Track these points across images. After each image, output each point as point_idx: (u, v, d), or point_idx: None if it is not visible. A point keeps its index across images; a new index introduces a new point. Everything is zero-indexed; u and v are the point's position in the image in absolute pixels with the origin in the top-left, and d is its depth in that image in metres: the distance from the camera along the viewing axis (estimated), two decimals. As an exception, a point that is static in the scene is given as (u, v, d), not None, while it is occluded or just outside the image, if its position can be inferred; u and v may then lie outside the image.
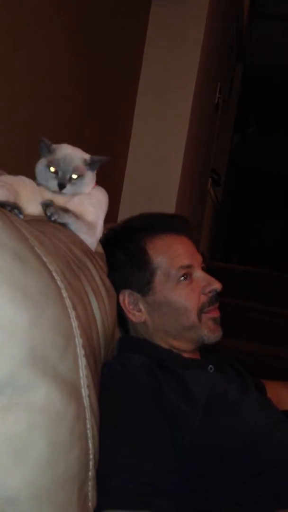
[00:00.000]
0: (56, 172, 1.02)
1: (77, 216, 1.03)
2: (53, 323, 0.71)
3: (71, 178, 1.02)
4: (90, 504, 0.76)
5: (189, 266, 1.12)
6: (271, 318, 3.24)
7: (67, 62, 1.78)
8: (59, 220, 1.00)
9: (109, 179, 2.40)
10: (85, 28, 1.91)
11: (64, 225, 1.00)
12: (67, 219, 1.01)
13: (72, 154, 1.04)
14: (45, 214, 0.98)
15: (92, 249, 1.07)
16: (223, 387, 1.03)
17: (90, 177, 1.06)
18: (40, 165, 1.04)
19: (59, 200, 1.03)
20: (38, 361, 0.67)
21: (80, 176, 1.03)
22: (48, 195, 1.02)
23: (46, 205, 0.99)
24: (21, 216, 0.87)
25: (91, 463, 0.76)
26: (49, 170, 1.02)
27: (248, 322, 3.15)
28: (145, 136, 2.74)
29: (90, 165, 1.05)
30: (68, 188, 1.02)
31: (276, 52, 5.28)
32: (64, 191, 1.02)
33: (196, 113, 2.93)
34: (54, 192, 1.03)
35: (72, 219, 1.01)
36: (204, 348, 1.19)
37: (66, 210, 1.01)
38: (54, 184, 1.01)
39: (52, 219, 0.99)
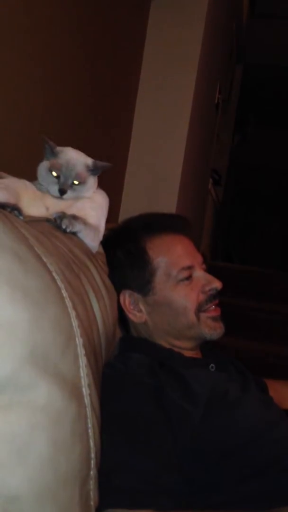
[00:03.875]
0: (58, 177, 1.01)
1: (85, 222, 1.03)
2: (54, 323, 0.72)
3: (72, 184, 1.02)
4: (92, 502, 0.76)
5: (190, 267, 1.12)
6: (272, 317, 3.24)
7: (68, 63, 1.79)
8: (73, 230, 1.00)
9: (110, 179, 2.41)
10: (86, 29, 1.91)
11: (73, 233, 1.01)
12: (77, 228, 1.01)
13: (75, 159, 1.03)
14: (60, 226, 0.98)
15: (93, 252, 1.08)
16: (224, 385, 1.03)
17: (92, 182, 1.06)
18: (42, 168, 1.03)
19: (61, 204, 1.03)
20: (39, 360, 0.67)
21: (81, 182, 1.03)
22: (49, 200, 1.02)
23: (60, 217, 0.99)
24: (21, 217, 0.88)
25: (92, 461, 0.77)
26: (51, 174, 1.01)
27: (250, 321, 3.15)
28: (146, 137, 2.75)
29: (92, 170, 1.05)
30: (69, 194, 1.01)
31: (276, 51, 5.28)
32: (64, 197, 1.01)
33: (196, 113, 2.93)
34: (55, 197, 1.02)
35: (81, 226, 1.02)
36: (205, 346, 1.19)
37: (75, 217, 1.01)
38: (55, 189, 1.01)
39: (68, 230, 0.99)
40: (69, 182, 1.01)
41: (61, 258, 0.87)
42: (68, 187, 1.01)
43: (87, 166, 1.04)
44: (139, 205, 2.52)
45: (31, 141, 1.43)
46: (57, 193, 1.01)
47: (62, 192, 1.01)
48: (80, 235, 1.03)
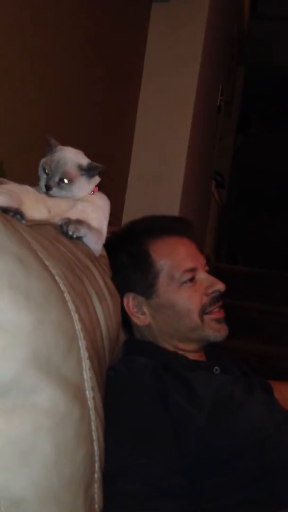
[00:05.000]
0: (47, 174, 1.03)
1: (89, 226, 1.03)
2: (56, 326, 0.72)
3: (60, 181, 1.02)
4: (96, 506, 0.76)
5: (193, 269, 1.12)
6: (277, 319, 3.23)
7: (69, 65, 1.79)
8: (78, 235, 1.01)
9: (113, 182, 2.41)
10: (87, 32, 1.92)
11: (78, 238, 1.01)
12: (83, 232, 1.02)
13: (67, 158, 1.04)
14: (66, 232, 0.99)
15: (96, 255, 1.08)
16: (229, 388, 1.03)
17: (83, 183, 1.05)
18: (40, 164, 1.05)
19: (62, 206, 1.03)
20: (42, 363, 0.67)
21: (70, 181, 1.03)
22: (51, 202, 1.03)
23: (66, 224, 0.99)
24: (23, 221, 0.88)
25: (96, 464, 0.77)
26: (43, 171, 1.03)
27: (254, 323, 3.14)
28: (148, 139, 2.75)
29: (86, 171, 1.05)
30: (55, 191, 1.02)
31: (277, 52, 5.28)
32: (50, 193, 1.02)
33: (198, 116, 2.93)
34: (49, 195, 1.02)
35: (86, 230, 1.02)
36: (209, 348, 1.19)
37: (80, 222, 1.02)
38: (42, 184, 1.02)
39: (74, 236, 1.00)
40: (56, 179, 1.02)
41: (63, 262, 0.87)
42: (54, 184, 1.02)
43: (80, 166, 1.04)
44: (142, 207, 2.52)
45: (33, 144, 1.43)
46: (43, 189, 1.02)
47: (47, 188, 1.02)
48: (85, 239, 1.03)
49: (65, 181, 1.02)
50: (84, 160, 1.06)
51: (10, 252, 0.69)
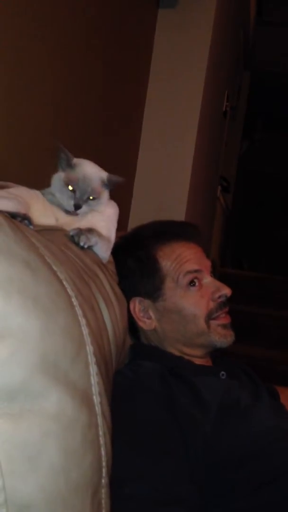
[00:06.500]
0: (73, 191, 1.01)
1: (99, 235, 1.03)
2: (64, 331, 0.72)
3: (87, 199, 1.01)
4: (103, 511, 0.76)
5: (197, 271, 1.12)
6: (283, 324, 3.22)
7: (76, 72, 1.80)
8: (89, 245, 1.00)
9: (119, 188, 2.42)
10: (93, 37, 1.93)
11: (89, 247, 1.01)
12: (93, 241, 1.01)
13: (91, 174, 1.03)
14: (77, 243, 0.99)
15: (104, 262, 1.08)
16: (235, 393, 1.03)
17: (106, 196, 1.05)
18: (58, 180, 1.03)
19: (71, 217, 1.03)
20: (49, 368, 0.68)
21: (96, 198, 1.02)
22: (59, 213, 1.02)
23: (78, 234, 0.99)
24: (31, 227, 0.88)
25: (104, 470, 0.77)
26: (67, 188, 1.01)
27: (260, 328, 3.14)
28: (154, 145, 2.75)
29: (106, 185, 1.04)
30: (84, 209, 1.01)
31: (283, 58, 5.29)
32: (79, 211, 1.01)
33: (204, 122, 2.94)
34: (67, 212, 1.02)
35: (97, 239, 1.02)
36: (216, 354, 1.19)
37: (90, 231, 1.01)
38: (70, 204, 1.00)
39: (86, 246, 0.99)
40: (85, 197, 1.01)
41: (71, 267, 0.87)
42: (83, 202, 1.01)
43: (102, 181, 1.04)
44: (148, 213, 2.52)
45: (39, 148, 1.44)
46: (72, 208, 1.00)
47: (77, 207, 1.00)
48: (95, 248, 1.04)
49: (91, 197, 1.01)
50: (104, 174, 1.05)
51: (19, 257, 0.70)
